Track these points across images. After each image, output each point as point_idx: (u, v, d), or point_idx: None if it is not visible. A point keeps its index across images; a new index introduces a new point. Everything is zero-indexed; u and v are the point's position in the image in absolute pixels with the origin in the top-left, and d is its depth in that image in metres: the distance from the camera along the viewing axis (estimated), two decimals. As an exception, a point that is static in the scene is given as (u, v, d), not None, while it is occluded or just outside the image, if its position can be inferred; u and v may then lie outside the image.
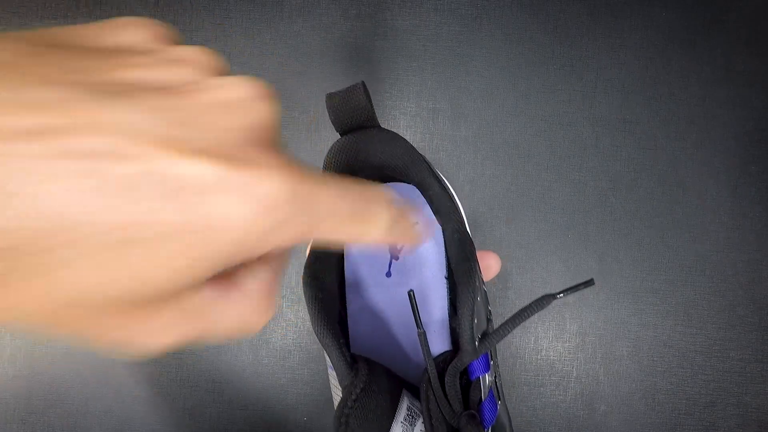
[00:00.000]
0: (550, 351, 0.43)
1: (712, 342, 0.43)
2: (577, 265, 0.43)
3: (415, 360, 0.27)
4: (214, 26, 0.44)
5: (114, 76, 0.13)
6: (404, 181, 0.28)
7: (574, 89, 0.43)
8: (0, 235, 0.10)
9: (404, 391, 0.24)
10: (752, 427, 0.43)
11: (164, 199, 0.12)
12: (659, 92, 0.43)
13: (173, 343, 0.15)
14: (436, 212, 0.27)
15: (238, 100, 0.14)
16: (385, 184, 0.28)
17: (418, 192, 0.28)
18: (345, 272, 0.28)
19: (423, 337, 0.22)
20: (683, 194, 0.43)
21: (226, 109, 0.13)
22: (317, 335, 0.23)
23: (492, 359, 0.26)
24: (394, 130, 0.44)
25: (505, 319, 0.44)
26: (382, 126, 0.42)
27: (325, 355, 0.24)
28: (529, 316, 0.23)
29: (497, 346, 0.43)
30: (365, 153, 0.24)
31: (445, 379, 0.23)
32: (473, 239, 0.43)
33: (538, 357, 0.43)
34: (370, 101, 0.24)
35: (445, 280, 0.27)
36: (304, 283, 0.24)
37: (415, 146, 0.44)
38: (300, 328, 0.43)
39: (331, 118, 0.24)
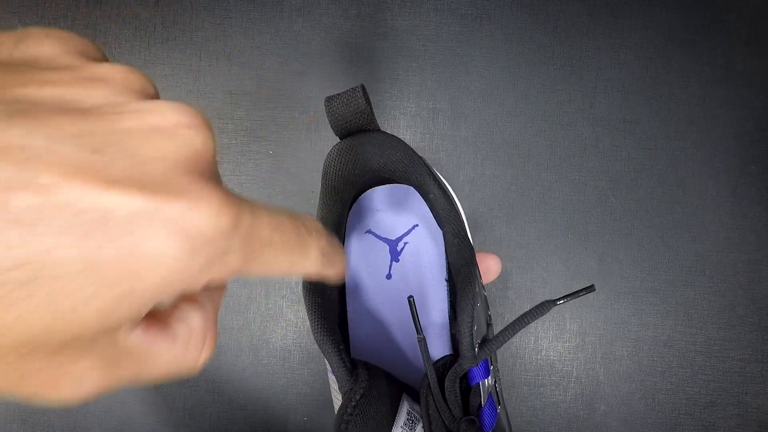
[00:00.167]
0: (550, 351, 0.43)
1: (712, 342, 0.43)
2: (577, 265, 0.43)
3: (416, 363, 0.27)
4: (214, 26, 0.44)
5: (20, 93, 0.11)
6: (404, 184, 0.28)
7: (574, 89, 0.43)
8: None
9: (404, 396, 0.24)
10: (752, 427, 0.43)
11: (75, 233, 0.10)
12: (659, 92, 0.43)
13: (99, 389, 0.13)
14: (436, 215, 0.27)
15: (166, 127, 0.12)
16: (383, 186, 0.28)
17: (417, 194, 0.28)
18: (345, 275, 0.28)
19: (423, 343, 0.22)
20: (683, 194, 0.43)
21: (152, 136, 0.12)
22: (317, 341, 0.23)
23: (492, 364, 0.26)
24: (395, 131, 0.44)
25: (505, 322, 0.44)
26: (383, 127, 0.41)
27: (326, 360, 0.24)
28: (529, 322, 0.23)
29: (497, 351, 0.43)
30: (364, 156, 0.24)
31: (445, 384, 0.23)
32: (473, 239, 0.43)
33: (538, 357, 0.43)
34: (369, 104, 0.24)
35: (445, 283, 0.27)
36: (304, 288, 0.24)
37: (415, 146, 0.43)
38: (300, 328, 0.43)
39: (330, 122, 0.24)
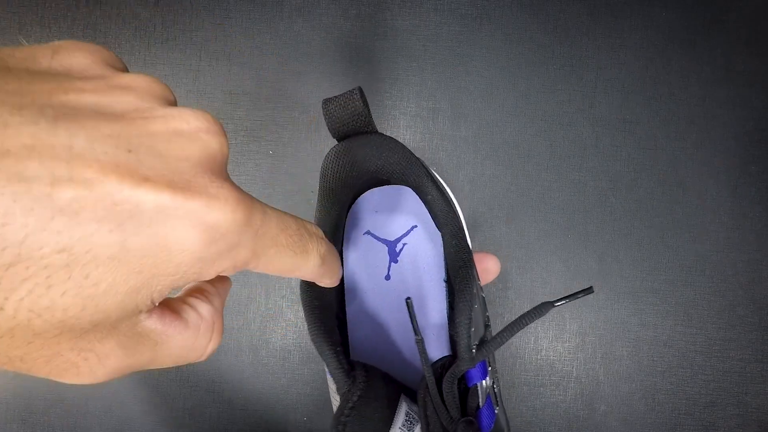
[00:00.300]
0: (550, 351, 0.43)
1: (712, 342, 0.43)
2: (577, 265, 0.43)
3: (415, 364, 0.27)
4: (214, 26, 0.44)
5: (58, 100, 0.12)
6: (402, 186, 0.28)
7: (574, 89, 0.43)
8: None
9: (402, 397, 0.24)
10: (752, 427, 0.43)
11: (110, 224, 0.12)
12: (659, 92, 0.43)
13: (118, 371, 0.15)
14: (433, 217, 0.27)
15: (188, 131, 0.14)
16: (382, 187, 0.28)
17: (415, 196, 0.28)
18: (344, 276, 0.28)
19: (421, 344, 0.22)
20: (683, 194, 0.43)
21: (176, 139, 0.13)
22: (314, 343, 0.23)
23: (490, 365, 0.26)
24: (395, 131, 0.44)
25: (505, 322, 0.44)
26: (383, 126, 0.41)
27: (323, 362, 0.24)
28: (527, 324, 0.23)
29: (496, 352, 0.43)
30: (362, 158, 0.24)
31: (443, 385, 0.23)
32: (473, 239, 0.43)
33: (538, 357, 0.43)
34: (366, 106, 0.24)
35: (444, 284, 0.27)
36: (301, 290, 0.23)
37: (415, 146, 0.43)
38: (300, 328, 0.43)
39: (327, 125, 0.24)
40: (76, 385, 0.43)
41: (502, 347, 0.43)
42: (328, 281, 0.20)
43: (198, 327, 0.17)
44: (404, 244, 0.28)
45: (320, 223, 0.25)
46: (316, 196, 0.27)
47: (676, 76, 0.43)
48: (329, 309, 0.25)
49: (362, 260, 0.28)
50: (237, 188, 0.14)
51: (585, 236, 0.43)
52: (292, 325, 0.43)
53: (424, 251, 0.27)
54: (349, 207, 0.28)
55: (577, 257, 0.43)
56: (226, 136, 0.15)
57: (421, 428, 0.22)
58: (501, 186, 0.43)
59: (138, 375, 0.43)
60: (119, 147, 0.12)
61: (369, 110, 0.24)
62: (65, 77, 0.14)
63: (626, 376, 0.43)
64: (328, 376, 0.25)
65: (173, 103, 0.15)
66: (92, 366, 0.14)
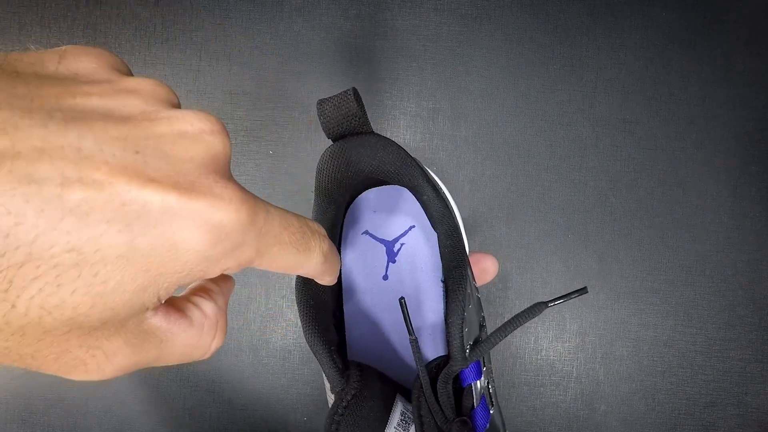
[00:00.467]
0: (550, 351, 0.43)
1: (712, 342, 0.43)
2: (577, 265, 0.43)
3: (412, 364, 0.27)
4: (214, 26, 0.44)
5: (66, 103, 0.13)
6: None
7: (574, 89, 0.43)
8: None
9: (398, 396, 0.24)
10: (752, 427, 0.43)
11: (118, 224, 0.12)
12: (659, 92, 0.43)
13: (125, 368, 0.15)
14: (429, 217, 0.27)
15: (192, 132, 0.14)
16: (380, 187, 0.28)
17: (410, 197, 0.28)
18: (342, 275, 0.28)
19: (415, 344, 0.22)
20: (683, 194, 0.43)
21: (181, 140, 0.14)
22: (309, 343, 0.23)
23: (485, 366, 0.26)
24: (395, 131, 0.44)
25: (501, 322, 0.44)
26: (383, 126, 0.41)
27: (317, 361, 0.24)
28: (521, 324, 0.23)
29: (494, 351, 0.43)
30: (357, 159, 0.24)
31: (437, 385, 0.23)
32: (473, 239, 0.43)
33: (538, 357, 0.43)
34: (361, 107, 0.24)
35: (441, 283, 0.27)
36: (296, 289, 0.23)
37: (415, 146, 0.44)
38: (300, 328, 0.43)
39: (322, 125, 0.24)
40: (81, 382, 0.43)
41: (502, 347, 0.43)
42: (328, 278, 0.21)
43: (202, 325, 0.17)
44: (402, 244, 0.28)
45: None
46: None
47: (676, 76, 0.43)
48: (325, 308, 0.25)
49: (360, 260, 0.28)
50: (240, 188, 0.15)
51: (585, 236, 0.43)
52: (292, 325, 0.43)
53: (421, 251, 0.27)
54: (348, 207, 0.28)
55: (577, 257, 0.43)
56: (228, 136, 0.15)
57: (416, 428, 0.22)
58: (501, 186, 0.43)
59: (138, 375, 0.43)
60: (127, 149, 0.13)
61: (364, 110, 0.24)
62: (72, 81, 0.14)
63: (626, 376, 0.43)
64: (324, 375, 0.25)
65: (177, 106, 0.16)
66: (100, 363, 0.14)
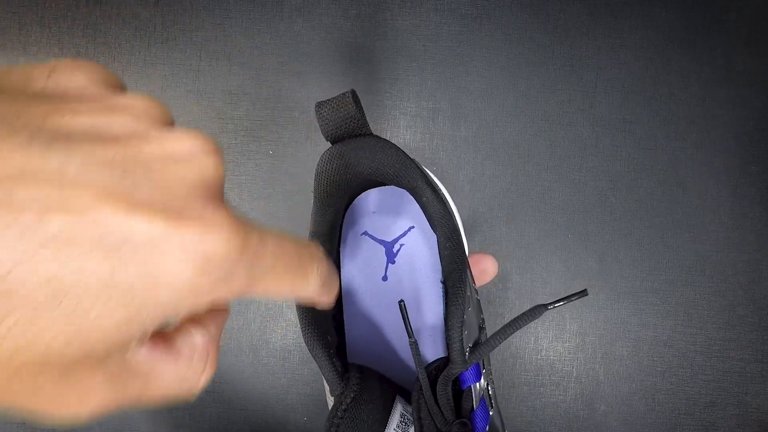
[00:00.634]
0: (550, 351, 0.43)
1: (712, 342, 0.43)
2: (577, 265, 0.43)
3: (412, 365, 0.27)
4: (214, 26, 0.44)
5: (52, 123, 0.12)
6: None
7: (574, 89, 0.43)
8: None
9: (398, 398, 0.24)
10: (752, 427, 0.43)
11: (100, 253, 0.11)
12: (659, 92, 0.43)
13: (104, 407, 0.14)
14: (429, 219, 0.27)
15: (184, 154, 0.13)
16: (379, 188, 0.28)
17: (410, 197, 0.28)
18: (341, 276, 0.28)
19: (414, 346, 0.22)
20: (683, 194, 0.43)
21: (172, 162, 0.13)
22: (308, 346, 0.23)
23: (484, 367, 0.26)
24: (395, 131, 0.44)
25: (505, 322, 0.44)
26: (383, 127, 0.41)
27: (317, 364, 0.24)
28: (521, 327, 0.23)
29: (494, 352, 0.43)
30: (356, 161, 0.24)
31: (437, 388, 0.23)
32: (473, 239, 0.43)
33: (538, 357, 0.43)
34: (360, 109, 0.23)
35: (441, 284, 0.27)
36: None
37: (415, 146, 0.44)
38: (299, 328, 0.43)
39: (320, 128, 0.24)
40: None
41: (502, 347, 0.43)
42: (326, 301, 0.20)
43: (191, 357, 0.16)
44: (401, 245, 0.28)
45: (316, 225, 0.25)
46: (315, 197, 0.27)
47: (676, 76, 0.43)
48: (323, 311, 0.25)
49: (360, 261, 0.28)
50: (232, 212, 0.14)
51: (585, 236, 0.43)
52: (292, 325, 0.43)
53: (421, 252, 0.27)
54: (347, 207, 0.28)
55: (577, 257, 0.43)
56: (222, 157, 0.14)
57: (415, 430, 0.22)
58: (501, 186, 0.43)
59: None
60: (114, 172, 0.12)
61: (363, 113, 0.24)
62: (61, 98, 0.13)
63: (626, 376, 0.43)
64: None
65: (170, 124, 0.15)
66: (79, 401, 0.13)
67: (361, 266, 0.28)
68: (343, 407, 0.21)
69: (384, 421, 0.23)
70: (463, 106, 0.43)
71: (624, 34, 0.44)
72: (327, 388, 0.24)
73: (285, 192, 0.43)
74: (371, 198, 0.28)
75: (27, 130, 0.11)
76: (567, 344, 0.43)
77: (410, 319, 0.24)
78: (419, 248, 0.27)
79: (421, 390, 0.23)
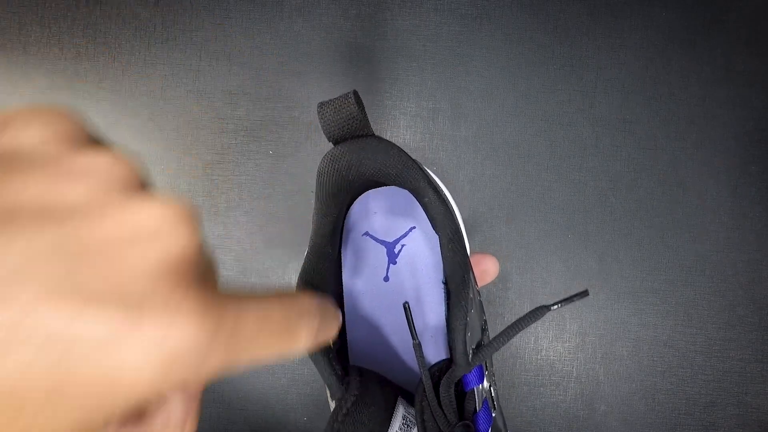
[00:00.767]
0: (550, 351, 0.43)
1: (712, 342, 0.43)
2: (577, 265, 0.43)
3: (413, 367, 0.27)
4: (214, 26, 0.44)
5: (4, 194, 0.11)
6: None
7: (574, 89, 0.43)
8: None
9: (399, 400, 0.24)
10: (752, 427, 0.43)
11: (47, 356, 0.10)
12: (659, 92, 0.43)
13: None
14: (431, 219, 0.27)
15: (146, 229, 0.12)
16: (381, 188, 0.28)
17: (411, 198, 0.28)
18: (342, 278, 0.28)
19: (418, 348, 0.22)
20: (683, 194, 0.43)
21: (132, 241, 0.11)
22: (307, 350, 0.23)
23: (487, 369, 0.26)
24: (395, 131, 0.44)
25: (506, 322, 0.44)
26: (383, 127, 0.41)
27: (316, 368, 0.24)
28: (523, 328, 0.22)
29: (494, 353, 0.43)
30: (358, 162, 0.24)
31: (440, 390, 0.23)
32: (473, 240, 0.43)
33: (538, 357, 0.43)
34: (362, 110, 0.23)
35: (442, 285, 0.27)
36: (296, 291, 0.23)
37: (415, 146, 0.43)
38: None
39: (322, 129, 0.24)
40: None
41: (502, 348, 0.43)
42: (324, 343, 0.18)
43: (167, 427, 0.15)
44: (403, 246, 0.28)
45: (318, 227, 0.25)
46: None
47: (676, 76, 0.43)
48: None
49: (361, 262, 0.28)
50: (205, 291, 0.12)
51: (585, 236, 0.43)
52: (292, 325, 0.43)
53: (422, 253, 0.27)
54: (348, 209, 0.28)
55: (577, 257, 0.43)
56: (196, 224, 0.13)
57: None
58: (501, 186, 0.43)
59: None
60: (61, 261, 0.10)
61: (365, 113, 0.24)
62: (10, 162, 0.12)
63: (626, 376, 0.43)
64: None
65: (138, 187, 0.13)
66: None
67: (362, 267, 0.28)
68: (343, 411, 0.21)
69: (386, 424, 0.23)
70: (463, 106, 0.43)
71: (624, 34, 0.44)
72: (328, 391, 0.24)
73: (285, 192, 0.43)
74: (372, 199, 0.28)
75: None
76: (567, 344, 0.43)
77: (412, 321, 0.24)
78: (420, 249, 0.27)
79: (424, 392, 0.23)
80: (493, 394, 0.26)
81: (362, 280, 0.27)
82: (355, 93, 0.23)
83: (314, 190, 0.44)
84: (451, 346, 0.23)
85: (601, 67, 0.43)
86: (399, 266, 0.27)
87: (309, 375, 0.43)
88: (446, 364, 0.24)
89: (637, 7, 0.43)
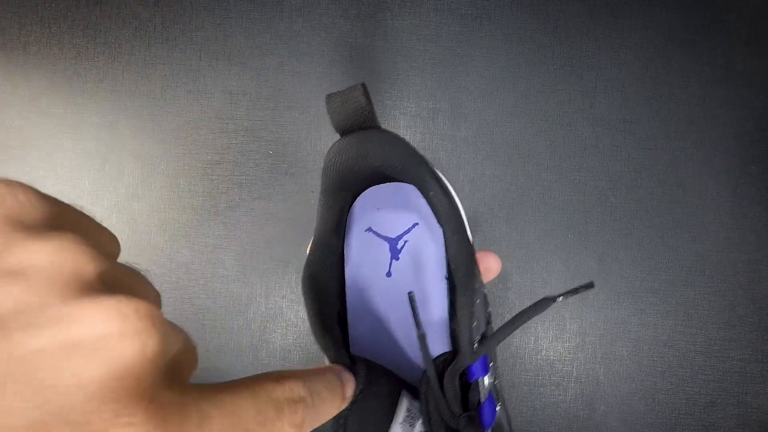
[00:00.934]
0: (550, 351, 0.43)
1: (712, 342, 0.43)
2: (577, 265, 0.43)
3: (415, 361, 0.27)
4: (214, 26, 0.44)
5: None
6: (404, 182, 0.28)
7: (574, 89, 0.43)
8: None
9: (404, 392, 0.24)
10: (752, 427, 0.43)
11: None
12: (659, 92, 0.43)
13: None
14: (435, 213, 0.27)
15: (88, 340, 0.10)
16: (384, 184, 0.28)
17: (418, 192, 0.28)
18: (345, 273, 0.28)
19: (423, 339, 0.22)
20: (683, 194, 0.43)
21: (70, 355, 0.10)
22: (315, 337, 0.23)
23: (491, 361, 0.26)
24: (395, 130, 0.44)
25: (502, 322, 0.44)
26: (384, 125, 0.41)
27: (324, 357, 0.24)
28: (528, 319, 0.22)
29: (497, 349, 0.43)
30: (365, 154, 0.24)
31: (444, 380, 0.23)
32: (473, 239, 0.43)
33: (538, 357, 0.43)
34: (370, 102, 0.24)
35: (445, 281, 0.27)
36: (303, 284, 0.23)
37: (415, 146, 0.44)
38: (300, 328, 0.43)
39: (330, 119, 0.24)
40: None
41: (502, 347, 0.43)
42: (332, 413, 0.17)
43: None
44: (405, 241, 0.28)
45: (323, 220, 0.25)
46: (317, 196, 0.27)
47: (676, 76, 0.44)
48: (331, 303, 0.25)
49: (364, 257, 0.28)
50: (165, 396, 0.11)
51: (585, 236, 0.43)
52: (292, 326, 0.43)
53: (425, 248, 0.27)
54: (351, 203, 0.28)
55: (577, 257, 0.43)
56: (155, 329, 0.11)
57: (423, 423, 0.22)
58: (501, 186, 0.43)
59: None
60: None
61: (372, 106, 0.24)
62: None
63: (626, 376, 0.43)
64: None
65: (90, 286, 0.11)
66: None
67: (365, 263, 0.28)
68: (351, 400, 0.21)
69: (390, 415, 0.23)
70: (463, 106, 0.43)
71: (624, 34, 0.44)
72: None
73: (285, 192, 0.43)
74: (375, 195, 0.28)
75: None
76: (567, 344, 0.43)
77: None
78: (423, 244, 0.27)
79: (429, 383, 0.23)
80: (497, 387, 0.26)
81: (365, 275, 0.27)
82: (364, 85, 0.23)
83: (314, 190, 0.44)
84: (455, 338, 0.23)
85: (601, 67, 0.43)
86: (402, 262, 0.27)
87: (316, 363, 0.43)
88: (450, 356, 0.24)
89: (637, 7, 0.44)
